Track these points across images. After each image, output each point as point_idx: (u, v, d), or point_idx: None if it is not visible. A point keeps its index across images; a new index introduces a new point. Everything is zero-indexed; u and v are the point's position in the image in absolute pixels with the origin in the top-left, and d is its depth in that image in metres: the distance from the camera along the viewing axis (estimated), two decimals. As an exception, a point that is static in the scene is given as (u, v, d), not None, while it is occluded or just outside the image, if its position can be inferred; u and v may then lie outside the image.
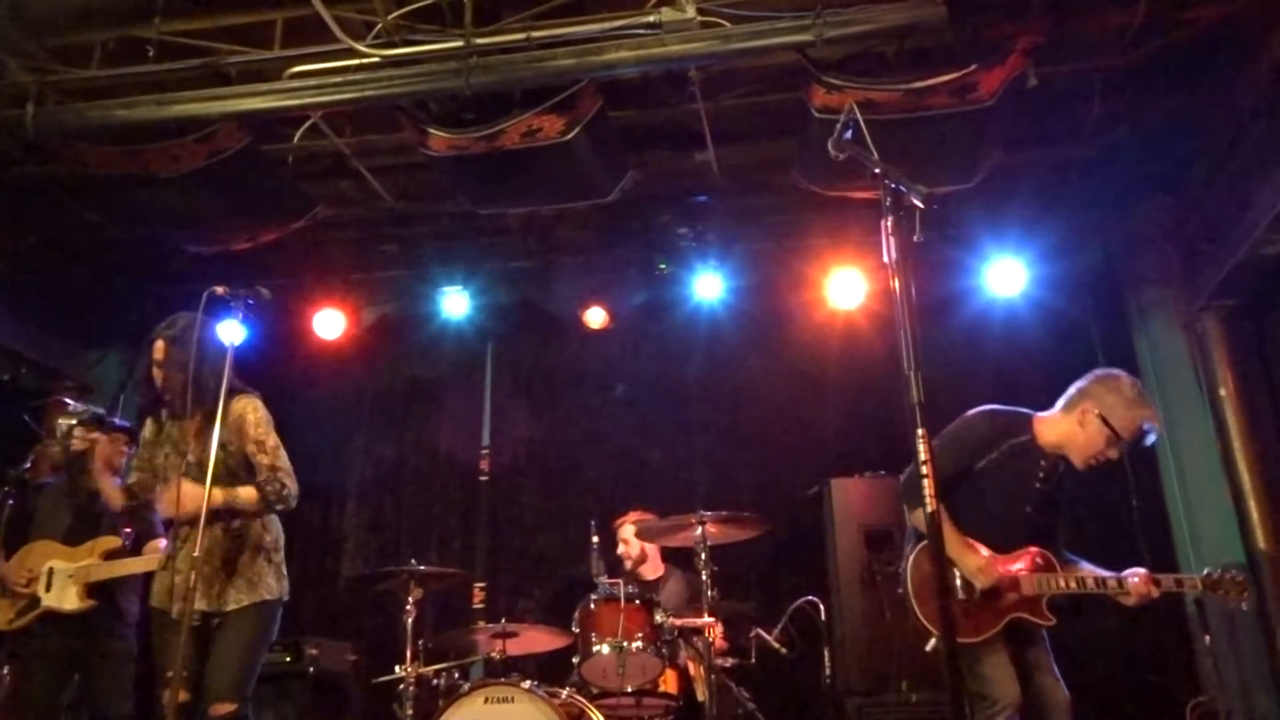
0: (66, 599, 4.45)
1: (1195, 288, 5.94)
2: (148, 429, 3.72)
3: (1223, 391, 5.71)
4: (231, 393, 3.47)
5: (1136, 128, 5.30)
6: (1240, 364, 5.74)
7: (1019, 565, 3.58)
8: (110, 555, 4.51)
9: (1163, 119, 5.24)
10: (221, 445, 3.39)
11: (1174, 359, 6.04)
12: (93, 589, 4.46)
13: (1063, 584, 3.55)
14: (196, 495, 3.33)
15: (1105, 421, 3.52)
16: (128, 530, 4.61)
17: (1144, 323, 6.21)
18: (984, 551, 3.54)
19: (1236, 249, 5.37)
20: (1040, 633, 3.63)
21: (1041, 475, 3.60)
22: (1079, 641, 5.71)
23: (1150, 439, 3.60)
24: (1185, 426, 5.89)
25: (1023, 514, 3.59)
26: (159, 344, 3.60)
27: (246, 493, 3.52)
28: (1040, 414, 3.71)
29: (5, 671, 4.90)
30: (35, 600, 4.48)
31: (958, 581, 3.53)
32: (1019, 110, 4.75)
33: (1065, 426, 3.62)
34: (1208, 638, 5.38)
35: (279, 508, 3.60)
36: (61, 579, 4.49)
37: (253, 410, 3.62)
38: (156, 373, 3.58)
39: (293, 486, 3.60)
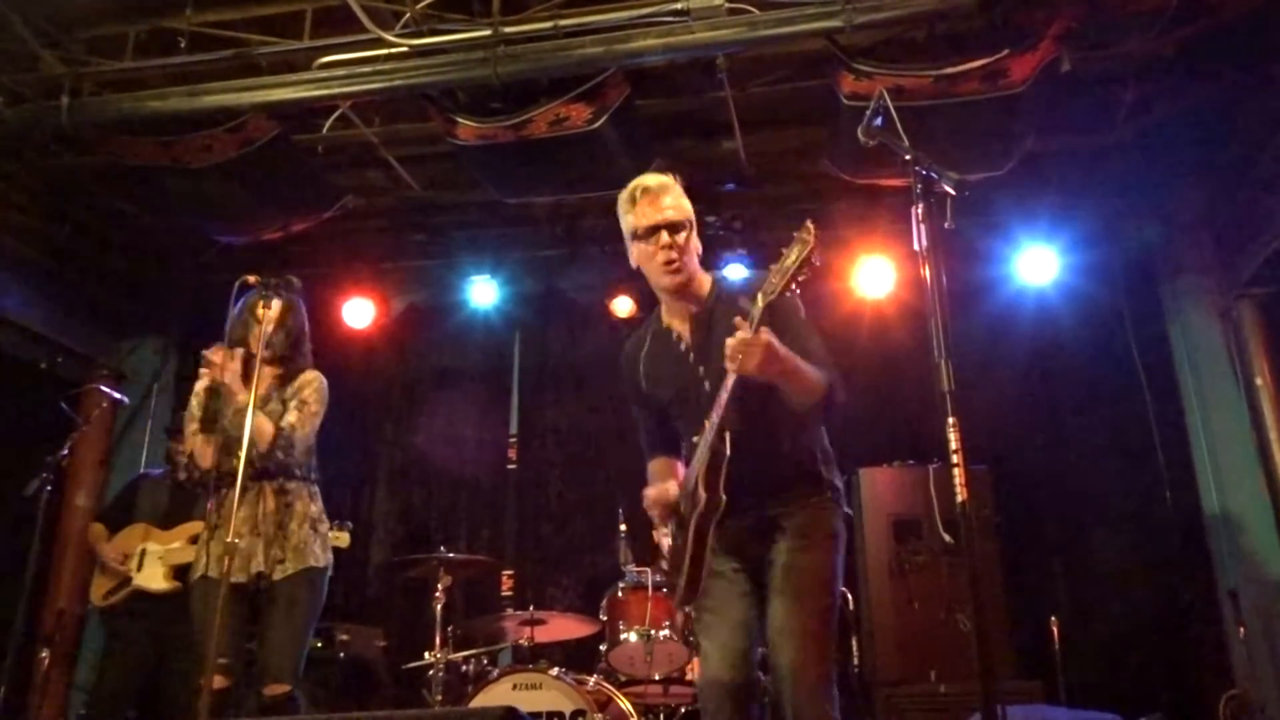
0: (154, 579, 4.73)
1: (1231, 275, 5.85)
2: (203, 393, 3.70)
3: (1259, 380, 5.63)
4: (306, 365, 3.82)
5: (1171, 113, 5.22)
6: (1277, 353, 5.66)
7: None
8: (195, 539, 4.59)
9: (1197, 104, 5.15)
10: (282, 403, 3.66)
11: (1209, 347, 5.96)
12: (178, 571, 4.62)
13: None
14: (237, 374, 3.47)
15: (633, 238, 2.91)
16: None
17: (1178, 310, 6.13)
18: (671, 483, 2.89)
19: (1273, 236, 5.28)
20: (776, 557, 2.73)
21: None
22: (1112, 634, 5.71)
23: (647, 196, 2.87)
24: (1220, 415, 5.82)
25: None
26: (279, 303, 3.61)
27: (265, 423, 3.53)
28: None
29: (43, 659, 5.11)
30: (128, 579, 4.77)
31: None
32: (1051, 96, 4.69)
33: (646, 277, 2.97)
34: (1242, 630, 5.32)
35: (280, 455, 3.59)
36: (152, 560, 4.78)
37: (318, 381, 3.79)
38: (271, 330, 3.61)
39: (300, 447, 3.64)
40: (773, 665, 2.64)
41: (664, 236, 2.82)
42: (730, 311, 2.60)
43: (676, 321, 2.94)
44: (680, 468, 2.98)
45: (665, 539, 2.95)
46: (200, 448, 3.60)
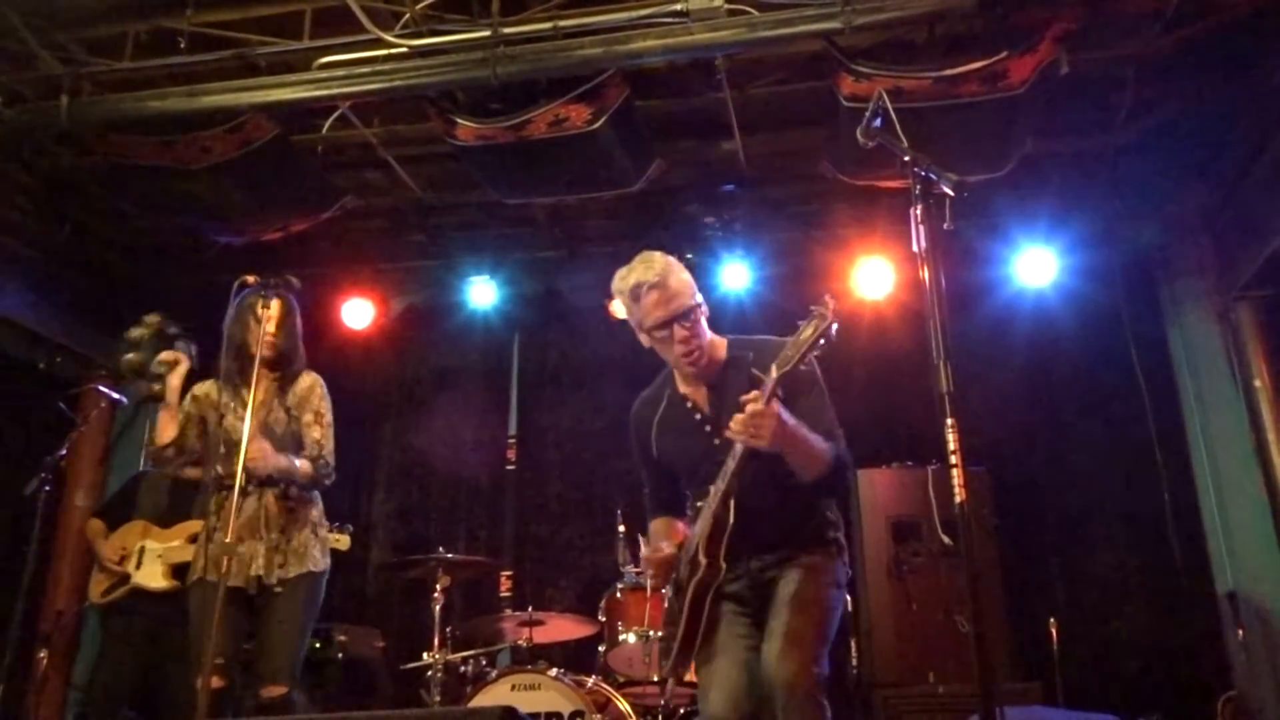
0: (153, 577, 4.71)
1: (1230, 277, 5.86)
2: (207, 388, 3.73)
3: (1257, 383, 5.63)
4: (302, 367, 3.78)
5: (1171, 115, 5.22)
6: (1276, 355, 5.66)
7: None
8: (194, 538, 4.59)
9: (1198, 106, 5.15)
10: (285, 410, 3.64)
11: (1208, 350, 5.96)
12: (177, 570, 4.61)
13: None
14: (269, 453, 3.44)
15: (641, 330, 2.93)
16: None
17: (1177, 313, 6.14)
18: (666, 544, 2.95)
19: (1273, 238, 5.29)
20: (777, 591, 2.77)
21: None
22: (1111, 635, 5.71)
23: (650, 291, 2.83)
24: (1218, 418, 5.82)
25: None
26: (278, 303, 3.59)
27: (304, 465, 3.59)
28: None
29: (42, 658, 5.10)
30: (126, 577, 4.75)
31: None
32: (1051, 98, 4.69)
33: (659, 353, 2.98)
34: (1240, 632, 5.32)
35: (325, 483, 3.69)
36: (151, 558, 4.77)
37: (321, 386, 3.79)
38: (271, 331, 3.58)
39: (331, 464, 3.70)
40: (766, 679, 2.64)
41: (679, 331, 2.82)
42: (743, 381, 2.66)
43: (691, 389, 2.96)
44: (681, 527, 3.01)
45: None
46: (161, 421, 3.62)
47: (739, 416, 2.51)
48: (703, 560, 2.69)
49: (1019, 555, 5.65)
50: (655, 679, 4.44)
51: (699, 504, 2.81)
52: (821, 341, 2.42)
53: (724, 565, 2.69)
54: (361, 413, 7.11)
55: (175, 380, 3.67)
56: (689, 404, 2.95)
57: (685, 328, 2.82)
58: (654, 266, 2.85)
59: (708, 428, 2.86)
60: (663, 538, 3.00)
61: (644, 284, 2.82)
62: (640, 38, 4.32)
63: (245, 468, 3.32)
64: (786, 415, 2.55)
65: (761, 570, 2.81)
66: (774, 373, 2.48)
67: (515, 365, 7.11)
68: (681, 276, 2.87)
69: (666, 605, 2.95)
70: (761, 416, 2.48)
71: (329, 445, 3.69)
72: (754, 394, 2.51)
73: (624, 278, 2.89)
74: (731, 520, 2.65)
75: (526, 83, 4.59)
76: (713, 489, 2.70)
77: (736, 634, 2.79)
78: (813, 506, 2.88)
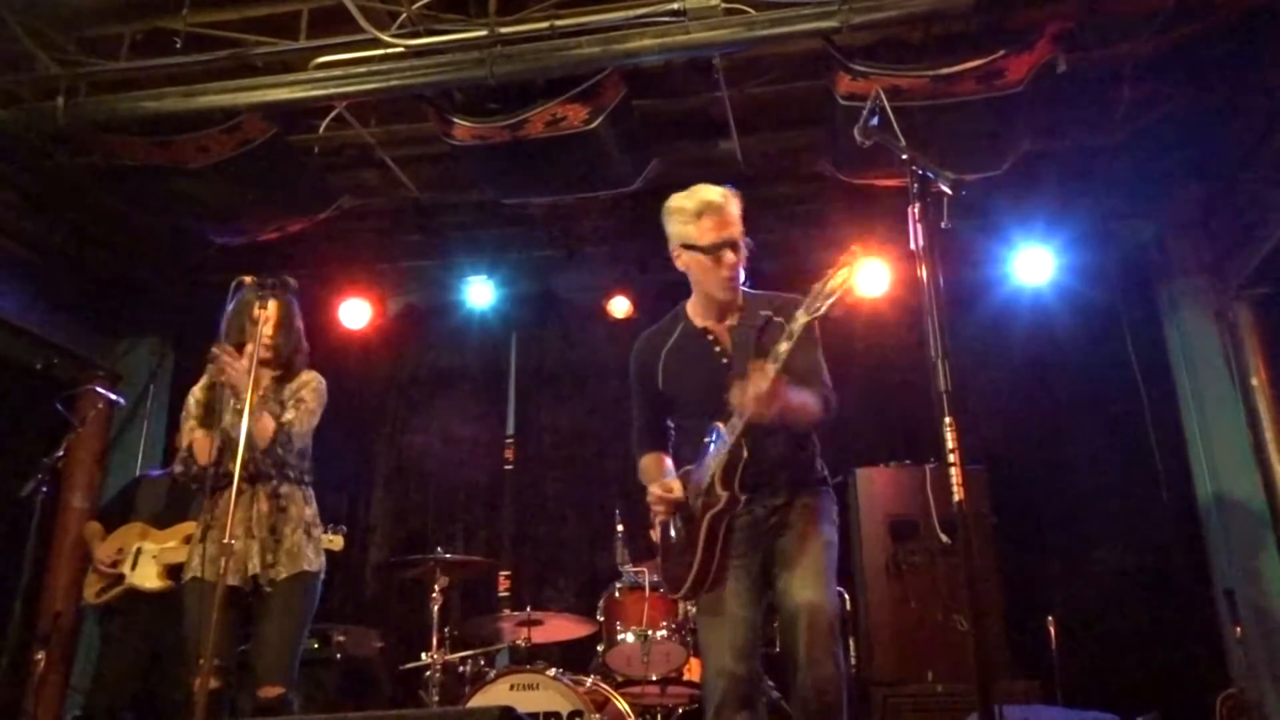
0: (148, 578, 4.75)
1: (1227, 275, 5.86)
2: (201, 391, 3.69)
3: (1255, 381, 5.64)
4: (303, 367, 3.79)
5: (1168, 113, 5.22)
6: (1273, 353, 5.67)
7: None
8: (190, 539, 4.59)
9: (1195, 104, 5.15)
10: (280, 403, 3.64)
11: (1205, 348, 5.97)
12: (171, 570, 4.63)
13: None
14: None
15: (690, 248, 3.03)
16: None
17: (1175, 311, 6.14)
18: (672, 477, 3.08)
19: (1270, 236, 5.29)
20: (790, 533, 2.92)
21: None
22: (1109, 633, 5.71)
23: (712, 212, 3.00)
24: (1216, 416, 5.82)
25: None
26: (275, 304, 3.59)
27: (267, 420, 3.51)
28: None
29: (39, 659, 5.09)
30: (120, 578, 4.79)
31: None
32: (1048, 96, 4.70)
33: (692, 278, 3.11)
34: (1238, 629, 5.32)
35: (279, 452, 3.54)
36: (146, 559, 4.81)
37: (315, 379, 3.77)
38: (268, 333, 3.57)
39: (297, 444, 3.60)
40: (786, 611, 2.82)
41: (729, 255, 3.00)
42: (763, 323, 2.94)
43: (711, 323, 3.10)
44: (668, 462, 3.16)
45: (655, 532, 3.11)
46: (200, 442, 3.57)
47: (748, 395, 2.67)
48: (722, 493, 2.85)
49: (1017, 553, 5.65)
50: (654, 678, 4.44)
51: (705, 440, 2.92)
52: (846, 291, 2.55)
53: (741, 496, 2.85)
54: (359, 413, 7.11)
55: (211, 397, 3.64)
56: (710, 336, 3.08)
57: (736, 253, 3.00)
58: (721, 192, 3.03)
59: (725, 360, 3.00)
60: (657, 473, 3.14)
61: (710, 204, 3.00)
62: (637, 37, 4.32)
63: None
64: (788, 391, 2.72)
65: (764, 518, 2.93)
66: (801, 318, 2.63)
67: (513, 365, 7.11)
68: (738, 208, 3.06)
69: (673, 536, 3.04)
70: (770, 397, 2.65)
71: (299, 427, 3.60)
72: (758, 370, 2.66)
73: (688, 196, 3.04)
74: (745, 455, 2.81)
75: (523, 82, 4.59)
76: (725, 426, 2.84)
77: (742, 589, 2.90)
78: (811, 445, 3.08)
